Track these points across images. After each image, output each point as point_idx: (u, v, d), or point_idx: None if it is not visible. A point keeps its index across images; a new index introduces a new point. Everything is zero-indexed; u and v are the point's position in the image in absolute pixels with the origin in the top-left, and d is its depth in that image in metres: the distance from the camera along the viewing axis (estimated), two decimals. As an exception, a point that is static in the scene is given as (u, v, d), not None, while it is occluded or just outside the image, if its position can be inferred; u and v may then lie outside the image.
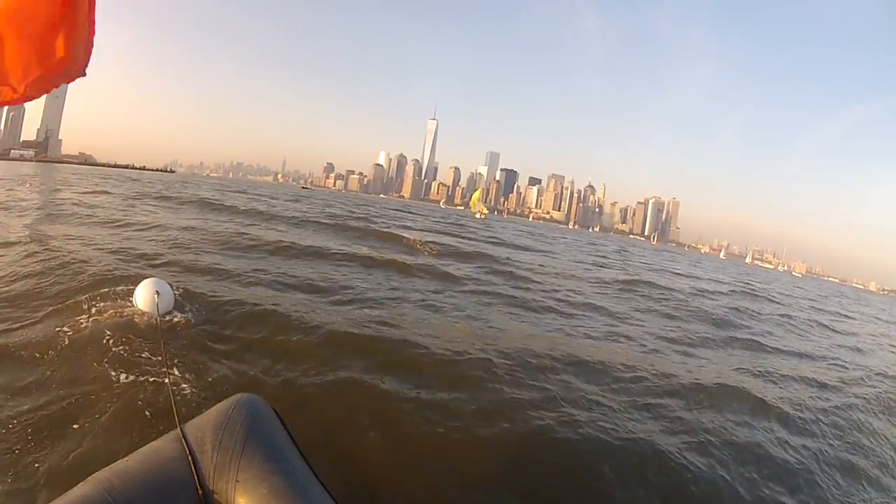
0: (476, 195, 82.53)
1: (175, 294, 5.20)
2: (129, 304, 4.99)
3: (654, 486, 3.79)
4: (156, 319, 4.44)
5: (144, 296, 4.77)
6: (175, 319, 4.88)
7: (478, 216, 76.33)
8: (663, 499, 3.69)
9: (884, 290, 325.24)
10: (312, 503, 1.39)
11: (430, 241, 16.53)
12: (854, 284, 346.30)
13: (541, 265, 16.66)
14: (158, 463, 1.42)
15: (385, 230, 18.85)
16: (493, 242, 23.09)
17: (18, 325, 4.68)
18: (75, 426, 3.20)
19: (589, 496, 3.59)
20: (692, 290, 16.52)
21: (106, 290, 5.55)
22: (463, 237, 23.38)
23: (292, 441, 1.55)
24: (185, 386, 3.77)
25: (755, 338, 10.23)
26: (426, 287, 9.42)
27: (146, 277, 5.14)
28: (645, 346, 7.69)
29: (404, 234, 17.69)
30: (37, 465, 2.81)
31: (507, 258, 16.41)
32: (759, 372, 7.39)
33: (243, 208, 20.83)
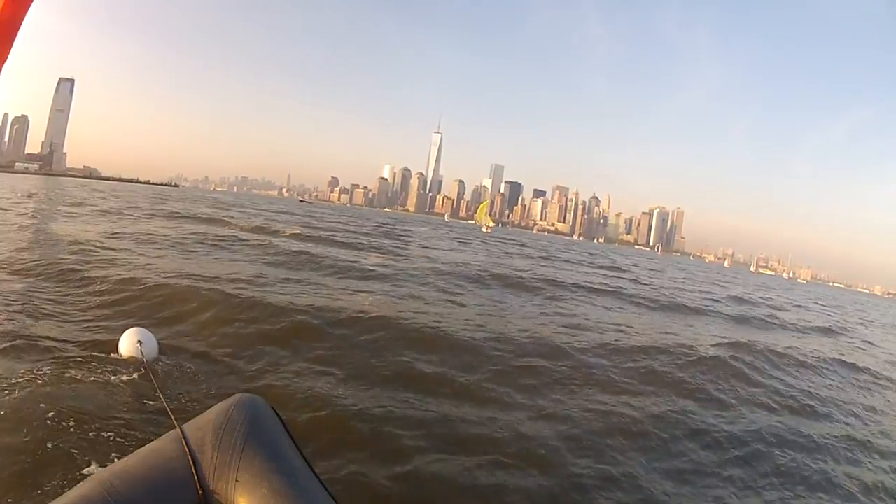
0: (482, 208, 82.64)
1: (159, 341, 5.25)
2: (113, 353, 5.04)
3: None
4: (141, 367, 4.63)
5: (127, 346, 4.89)
6: (160, 365, 4.98)
7: (484, 229, 76.42)
8: None
9: (889, 293, 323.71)
10: (312, 503, 1.38)
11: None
12: (860, 289, 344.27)
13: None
14: (158, 463, 1.42)
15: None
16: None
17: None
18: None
19: None
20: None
21: (89, 338, 5.61)
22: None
23: (292, 441, 1.53)
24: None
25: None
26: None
27: (130, 327, 5.19)
28: None
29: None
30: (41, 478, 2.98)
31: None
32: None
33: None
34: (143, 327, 5.28)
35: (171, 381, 4.70)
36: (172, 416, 1.72)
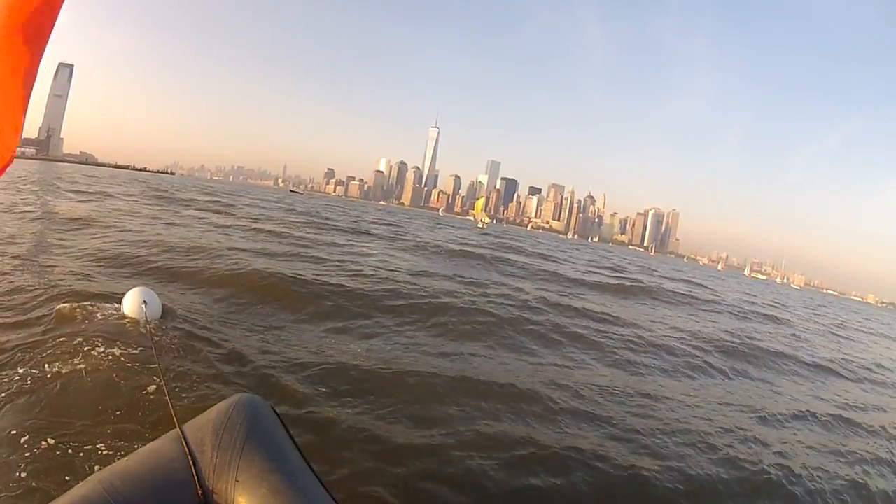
0: (479, 205, 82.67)
1: (162, 302, 5.17)
2: (116, 312, 4.90)
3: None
4: (144, 328, 4.41)
5: (131, 305, 4.81)
6: (164, 327, 4.85)
7: (480, 225, 76.39)
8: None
9: (882, 302, 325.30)
10: (312, 503, 1.40)
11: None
12: (853, 297, 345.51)
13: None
14: (158, 463, 1.43)
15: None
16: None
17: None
18: (70, 429, 3.02)
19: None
20: None
21: (93, 297, 5.42)
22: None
23: (292, 441, 1.55)
24: (178, 387, 3.70)
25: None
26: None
27: (134, 286, 5.15)
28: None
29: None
30: (33, 466, 2.63)
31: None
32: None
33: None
34: (147, 287, 5.24)
35: (172, 349, 4.40)
36: (174, 416, 1.69)
